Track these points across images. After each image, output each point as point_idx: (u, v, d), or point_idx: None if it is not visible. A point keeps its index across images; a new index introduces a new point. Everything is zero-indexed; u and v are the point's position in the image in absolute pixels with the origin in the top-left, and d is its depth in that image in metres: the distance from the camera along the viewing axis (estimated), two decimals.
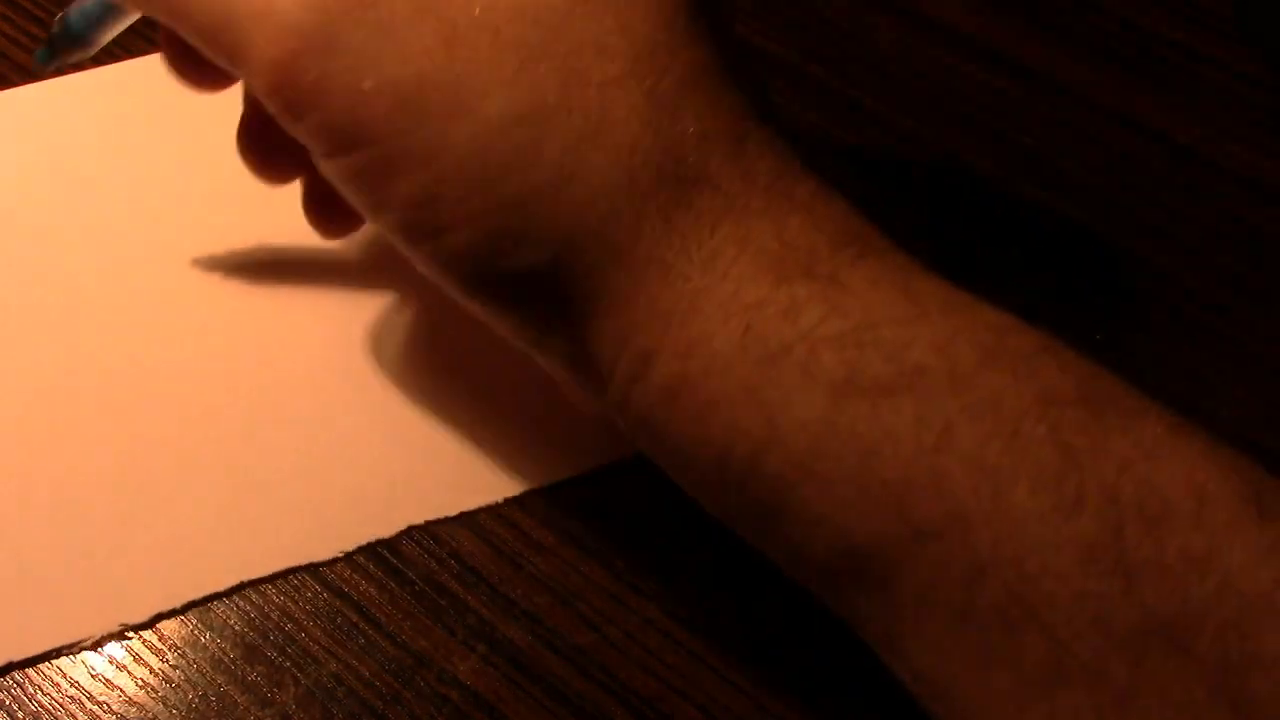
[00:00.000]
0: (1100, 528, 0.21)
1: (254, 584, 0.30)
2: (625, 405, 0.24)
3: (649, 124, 0.23)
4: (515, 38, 0.23)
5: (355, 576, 0.31)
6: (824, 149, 0.39)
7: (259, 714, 0.29)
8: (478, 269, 0.24)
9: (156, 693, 0.29)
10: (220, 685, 0.29)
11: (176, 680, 0.29)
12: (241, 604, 0.30)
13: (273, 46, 0.23)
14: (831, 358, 0.22)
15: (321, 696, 0.29)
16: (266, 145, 0.28)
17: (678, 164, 0.23)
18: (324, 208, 0.29)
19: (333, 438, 0.32)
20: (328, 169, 0.25)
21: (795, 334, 0.22)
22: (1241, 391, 0.35)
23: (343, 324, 0.33)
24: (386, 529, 0.31)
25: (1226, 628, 0.20)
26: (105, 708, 0.29)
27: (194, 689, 0.29)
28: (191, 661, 0.30)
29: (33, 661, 0.29)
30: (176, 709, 0.29)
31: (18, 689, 0.29)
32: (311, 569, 0.31)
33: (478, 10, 0.23)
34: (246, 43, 0.23)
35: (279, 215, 0.33)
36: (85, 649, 0.29)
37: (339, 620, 0.30)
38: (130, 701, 0.29)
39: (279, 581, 0.31)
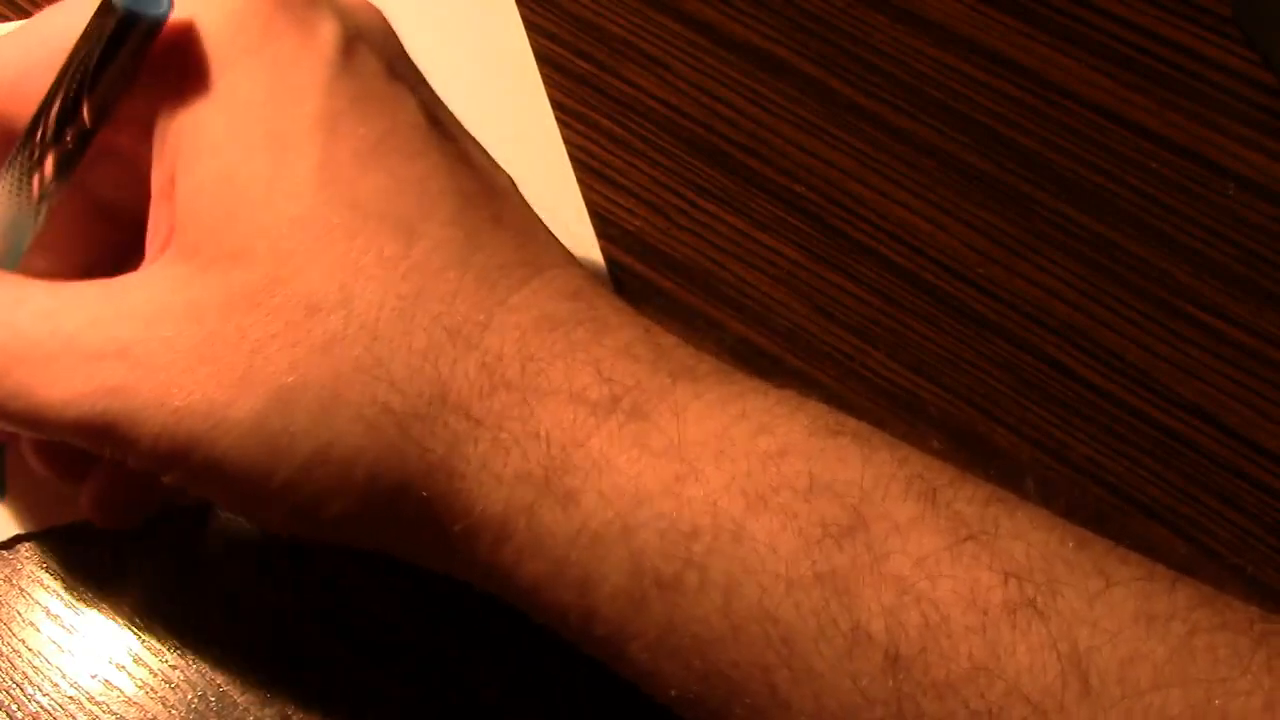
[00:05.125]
0: (881, 659, 0.21)
1: (256, 578, 0.31)
2: (481, 586, 0.25)
3: (373, 373, 0.24)
4: (235, 332, 0.24)
5: (356, 578, 0.31)
6: (822, 149, 0.39)
7: (259, 714, 0.29)
8: (299, 528, 0.25)
9: (156, 693, 0.29)
10: (220, 685, 0.29)
11: (176, 680, 0.29)
12: (241, 603, 0.30)
13: (76, 437, 0.25)
14: (615, 544, 0.23)
15: (322, 696, 0.29)
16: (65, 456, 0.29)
17: (416, 399, 0.24)
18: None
19: None
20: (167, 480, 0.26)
21: (576, 526, 0.23)
22: (1241, 391, 0.35)
23: None
24: None
25: None
26: (105, 708, 0.29)
27: (194, 689, 0.29)
28: (191, 661, 0.30)
29: None
30: (176, 709, 0.29)
31: (18, 689, 0.29)
32: (314, 567, 0.31)
33: (197, 318, 0.24)
34: (61, 435, 0.25)
35: None
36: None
37: (338, 619, 0.30)
38: (130, 701, 0.29)
39: (279, 580, 0.31)
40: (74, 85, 0.25)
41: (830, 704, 0.22)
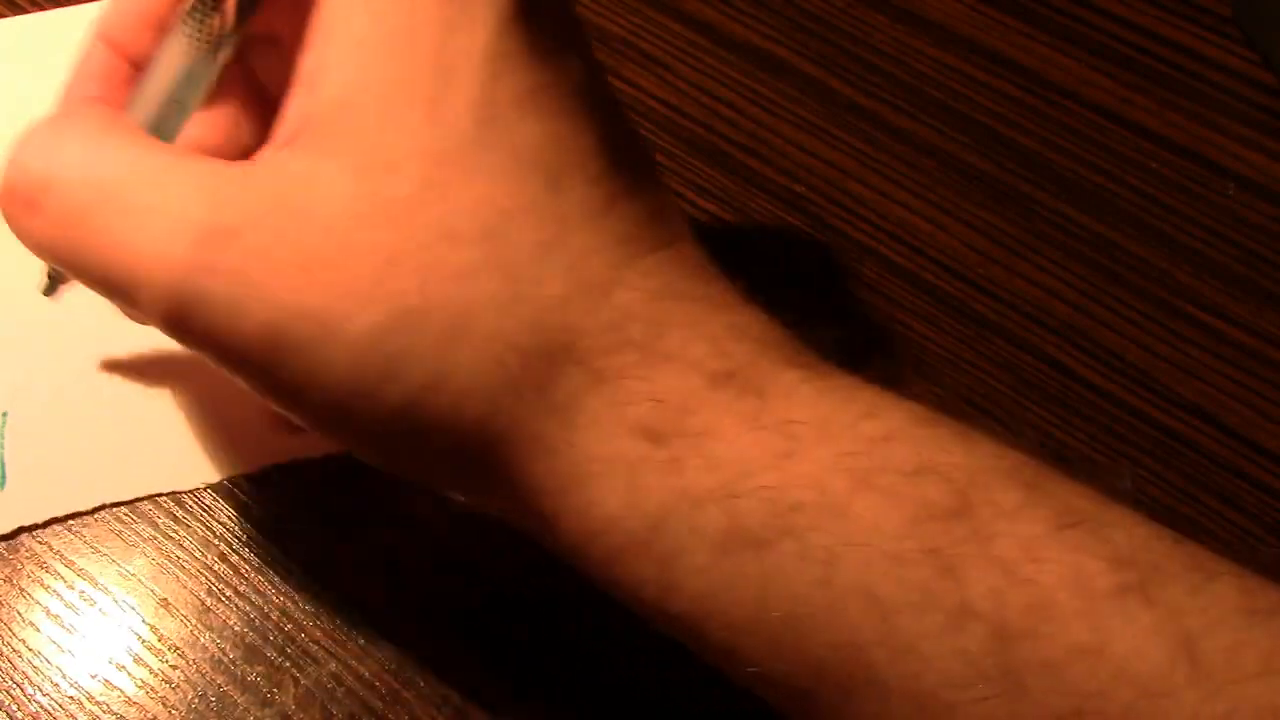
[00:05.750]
0: (988, 636, 0.21)
1: (256, 580, 0.31)
2: (552, 547, 0.25)
3: (506, 309, 0.23)
4: (368, 244, 0.23)
5: (357, 577, 0.31)
6: (822, 149, 0.39)
7: (259, 714, 0.29)
8: (385, 455, 0.25)
9: (156, 693, 0.29)
10: (220, 685, 0.29)
11: (176, 680, 0.29)
12: (241, 604, 0.30)
13: (155, 305, 0.24)
14: (714, 510, 0.23)
15: (321, 696, 0.29)
16: None
17: (544, 341, 0.24)
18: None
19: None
20: (244, 384, 0.25)
21: (677, 491, 0.23)
22: (1241, 391, 0.35)
23: None
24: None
25: (1127, 716, 0.20)
26: (105, 708, 0.29)
27: (194, 689, 0.29)
28: (191, 661, 0.30)
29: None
30: (176, 709, 0.29)
31: (18, 689, 0.29)
32: (315, 568, 0.31)
33: (328, 221, 0.23)
34: (137, 299, 0.24)
35: None
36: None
37: (339, 620, 0.30)
38: (130, 701, 0.29)
39: (279, 581, 0.31)
40: None
41: (930, 681, 0.21)
